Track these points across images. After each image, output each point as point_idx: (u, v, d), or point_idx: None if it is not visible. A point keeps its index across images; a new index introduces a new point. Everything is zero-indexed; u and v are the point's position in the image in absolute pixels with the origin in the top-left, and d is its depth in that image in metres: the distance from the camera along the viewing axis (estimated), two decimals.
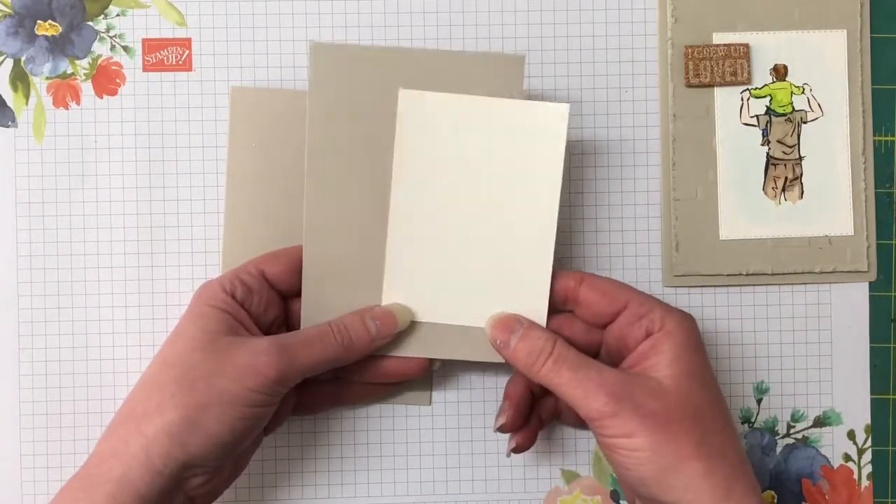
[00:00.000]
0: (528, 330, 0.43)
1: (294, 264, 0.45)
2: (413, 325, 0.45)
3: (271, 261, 0.44)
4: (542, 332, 0.43)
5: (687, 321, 0.42)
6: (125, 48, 0.48)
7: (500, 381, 0.49)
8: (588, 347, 0.45)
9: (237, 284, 0.43)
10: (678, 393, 0.40)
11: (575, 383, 0.41)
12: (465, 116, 0.44)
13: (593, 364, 0.41)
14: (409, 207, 0.44)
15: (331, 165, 0.44)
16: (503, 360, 0.44)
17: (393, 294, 0.45)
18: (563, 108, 0.44)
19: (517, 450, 0.46)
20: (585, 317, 0.44)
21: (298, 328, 0.45)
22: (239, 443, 0.41)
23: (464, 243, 0.44)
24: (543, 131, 0.44)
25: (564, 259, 0.49)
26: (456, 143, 0.44)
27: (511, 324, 0.43)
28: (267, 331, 0.44)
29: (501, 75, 0.44)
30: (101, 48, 0.48)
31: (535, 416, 0.47)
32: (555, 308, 0.45)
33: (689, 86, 0.49)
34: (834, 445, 0.50)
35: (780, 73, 0.49)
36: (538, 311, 0.44)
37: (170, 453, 0.39)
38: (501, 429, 0.46)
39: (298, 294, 0.45)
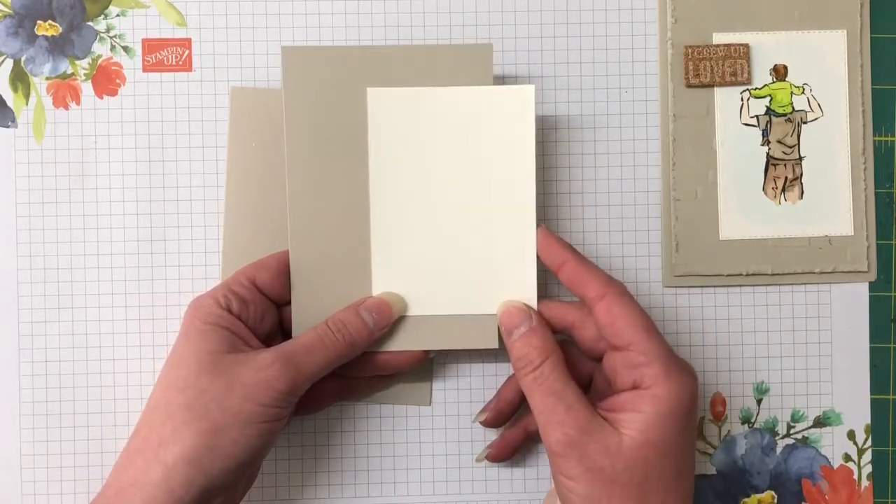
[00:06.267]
0: (531, 332, 0.43)
1: (283, 269, 0.44)
2: (406, 319, 0.45)
3: (261, 269, 0.44)
4: (539, 342, 0.42)
5: (679, 388, 0.40)
6: (125, 48, 0.48)
7: (500, 382, 0.49)
8: (595, 353, 0.44)
9: (231, 297, 0.42)
10: (632, 457, 0.39)
11: (541, 408, 0.41)
12: (433, 108, 0.44)
13: (569, 396, 0.41)
14: (390, 204, 0.45)
15: (310, 167, 0.45)
16: (495, 346, 0.45)
17: (383, 292, 0.45)
18: (530, 89, 0.44)
19: (491, 458, 0.47)
20: (596, 328, 0.43)
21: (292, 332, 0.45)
22: (257, 459, 0.41)
23: (448, 233, 0.45)
24: (512, 114, 0.44)
25: None
26: (428, 136, 0.44)
27: (517, 317, 0.43)
28: (264, 340, 0.44)
29: (471, 65, 0.45)
30: (101, 48, 0.48)
31: (519, 428, 0.47)
32: (575, 294, 0.44)
33: (689, 86, 0.49)
34: (834, 445, 0.50)
35: (780, 73, 0.49)
36: (527, 292, 0.44)
37: (190, 480, 0.39)
38: (484, 422, 0.47)
39: (290, 301, 0.45)
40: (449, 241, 0.45)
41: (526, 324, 0.43)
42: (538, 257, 0.45)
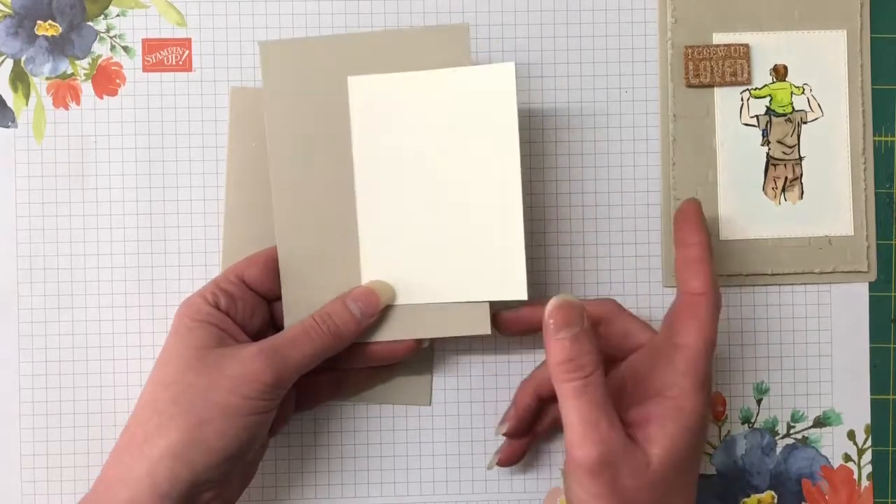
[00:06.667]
0: (584, 334, 0.40)
1: (272, 265, 0.44)
2: (395, 309, 0.45)
3: (249, 265, 0.44)
4: (591, 347, 0.40)
5: (703, 404, 0.41)
6: (125, 48, 0.48)
7: (500, 381, 0.49)
8: (620, 351, 0.44)
9: (219, 294, 0.42)
10: (657, 479, 0.39)
11: (581, 418, 0.39)
12: (414, 92, 0.44)
13: (611, 413, 0.39)
14: (375, 192, 0.44)
15: (294, 160, 0.44)
16: (488, 332, 0.44)
17: (369, 281, 0.45)
18: (509, 67, 0.43)
19: (501, 463, 0.47)
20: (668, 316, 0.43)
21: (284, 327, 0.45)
22: (244, 453, 0.41)
23: (434, 219, 0.44)
24: (493, 94, 0.43)
25: (563, 260, 0.49)
26: (410, 121, 0.44)
27: (571, 315, 0.40)
28: (256, 337, 0.44)
29: (448, 47, 0.44)
30: (101, 48, 0.48)
31: (530, 432, 0.47)
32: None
33: (689, 86, 0.49)
34: (834, 445, 0.50)
35: (780, 73, 0.49)
36: (516, 276, 0.44)
37: (176, 474, 0.39)
38: (507, 433, 0.46)
39: (280, 297, 0.45)
40: (436, 227, 0.44)
41: (577, 324, 0.40)
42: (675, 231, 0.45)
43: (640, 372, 0.42)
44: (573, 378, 0.39)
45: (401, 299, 0.45)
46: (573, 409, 0.39)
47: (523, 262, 0.44)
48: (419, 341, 0.45)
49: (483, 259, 0.44)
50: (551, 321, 0.40)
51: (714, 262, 0.43)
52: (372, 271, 0.45)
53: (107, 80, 0.48)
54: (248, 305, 0.43)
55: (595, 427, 0.39)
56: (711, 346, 0.42)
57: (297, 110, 0.44)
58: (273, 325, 0.46)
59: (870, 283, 0.50)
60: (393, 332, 0.45)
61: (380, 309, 0.44)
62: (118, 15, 0.48)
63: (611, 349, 0.44)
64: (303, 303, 0.44)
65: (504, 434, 0.47)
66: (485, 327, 0.45)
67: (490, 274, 0.44)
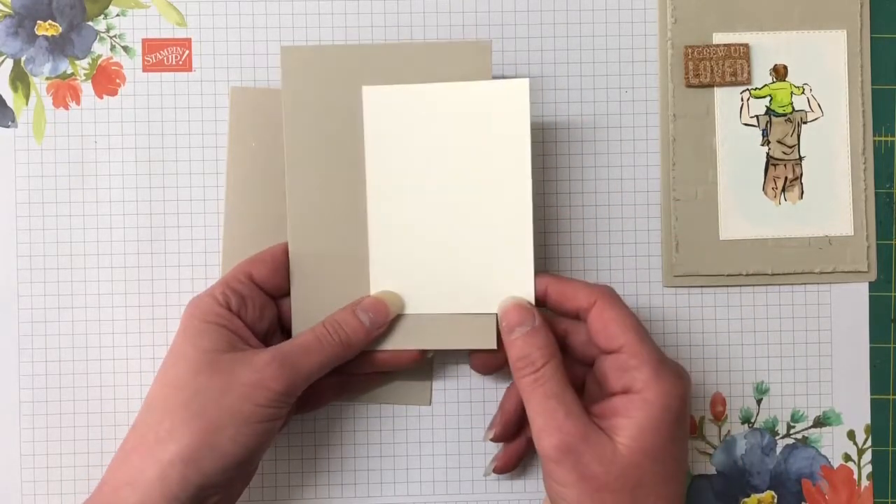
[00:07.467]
0: (534, 331, 0.42)
1: (278, 264, 0.45)
2: (403, 318, 0.45)
3: (256, 264, 0.44)
4: (542, 342, 0.42)
5: (670, 392, 0.40)
6: (125, 48, 0.48)
7: (500, 382, 0.49)
8: (588, 358, 0.44)
9: (230, 294, 0.42)
10: (627, 465, 0.39)
11: (539, 410, 0.40)
12: (428, 105, 0.44)
13: (568, 401, 0.40)
14: (387, 202, 0.44)
15: (309, 165, 0.45)
16: (494, 347, 0.44)
17: (380, 290, 0.45)
18: (523, 83, 0.43)
19: (497, 470, 0.47)
20: (588, 334, 0.43)
21: (291, 328, 0.45)
22: (254, 458, 0.41)
23: (444, 230, 0.44)
24: (506, 109, 0.44)
25: (564, 259, 0.49)
26: (424, 132, 0.44)
27: (520, 315, 0.42)
28: (264, 335, 0.44)
29: (470, 63, 0.44)
30: (101, 48, 0.48)
31: (523, 436, 0.47)
32: (565, 314, 0.44)
33: (689, 86, 0.49)
34: (834, 445, 0.50)
35: (780, 73, 0.49)
36: (525, 290, 0.44)
37: (187, 478, 0.38)
38: (494, 439, 0.46)
39: (287, 293, 0.45)
40: (446, 238, 0.44)
41: (529, 323, 0.42)
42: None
43: (605, 374, 0.42)
44: (527, 374, 0.41)
45: (409, 308, 0.45)
46: (531, 403, 0.41)
47: (532, 277, 0.44)
48: (423, 351, 0.46)
49: (492, 272, 0.44)
50: (504, 323, 0.42)
51: (570, 277, 0.45)
52: (381, 278, 0.45)
53: (107, 80, 0.48)
54: (257, 305, 0.43)
55: (552, 416, 0.40)
56: (641, 330, 0.42)
57: (313, 114, 0.45)
58: (280, 327, 0.46)
59: (870, 283, 0.50)
60: (399, 342, 0.45)
61: (389, 319, 0.44)
62: (118, 15, 0.48)
63: (581, 357, 0.44)
64: (312, 307, 0.44)
65: (491, 440, 0.47)
66: (490, 342, 0.45)
67: (498, 287, 0.44)
